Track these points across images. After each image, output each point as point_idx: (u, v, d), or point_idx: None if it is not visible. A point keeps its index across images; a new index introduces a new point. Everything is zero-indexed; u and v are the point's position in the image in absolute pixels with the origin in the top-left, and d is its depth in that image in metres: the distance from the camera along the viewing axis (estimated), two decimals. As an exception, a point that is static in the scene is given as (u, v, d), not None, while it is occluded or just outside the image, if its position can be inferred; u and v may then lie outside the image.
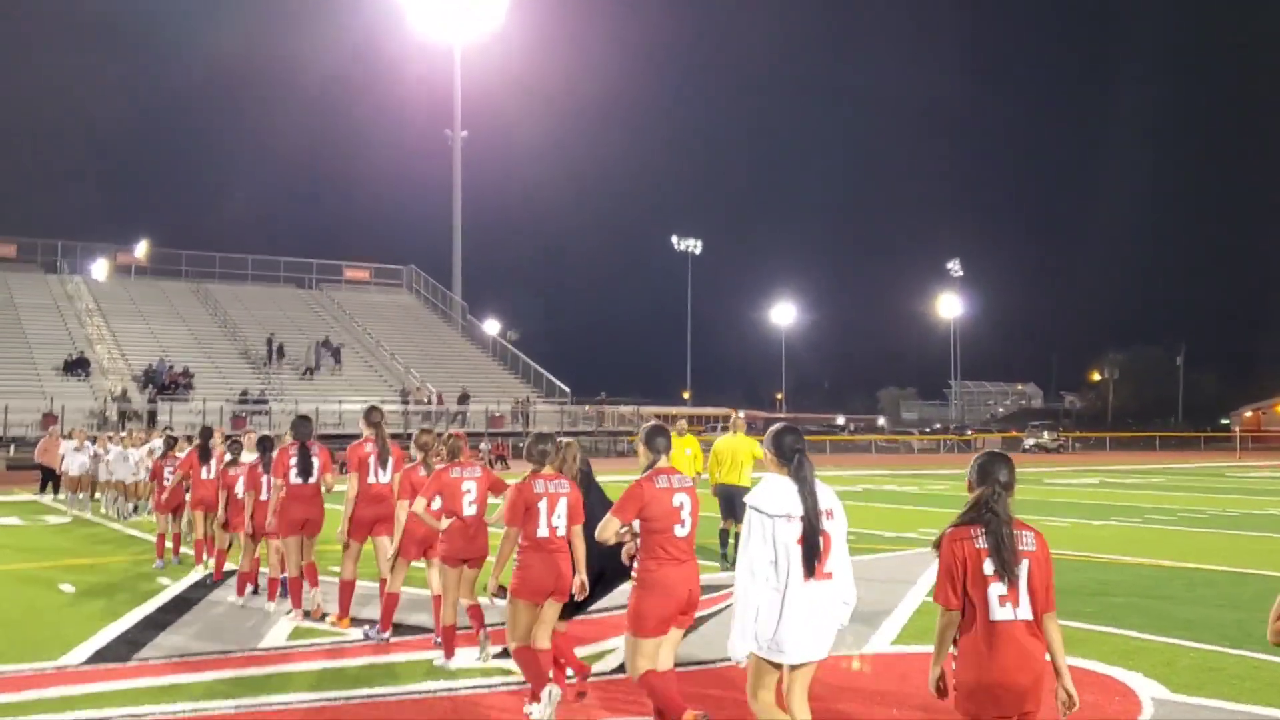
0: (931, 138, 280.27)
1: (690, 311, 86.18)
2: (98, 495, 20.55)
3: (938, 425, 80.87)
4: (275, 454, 9.83)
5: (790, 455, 4.91)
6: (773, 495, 4.84)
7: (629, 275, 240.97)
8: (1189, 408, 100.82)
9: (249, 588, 10.54)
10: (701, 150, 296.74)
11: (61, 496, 22.44)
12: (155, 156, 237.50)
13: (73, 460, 20.61)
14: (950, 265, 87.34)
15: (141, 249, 57.65)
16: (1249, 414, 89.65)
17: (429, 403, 46.85)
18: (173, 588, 11.29)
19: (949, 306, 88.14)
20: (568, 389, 53.63)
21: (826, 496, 4.89)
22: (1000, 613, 4.05)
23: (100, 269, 55.36)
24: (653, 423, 6.12)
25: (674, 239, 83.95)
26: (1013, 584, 4.08)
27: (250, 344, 49.69)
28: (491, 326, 62.83)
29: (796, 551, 4.74)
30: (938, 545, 4.23)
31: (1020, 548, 4.14)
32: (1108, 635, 8.67)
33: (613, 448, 49.72)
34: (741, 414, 14.27)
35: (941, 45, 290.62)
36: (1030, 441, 62.18)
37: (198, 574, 12.05)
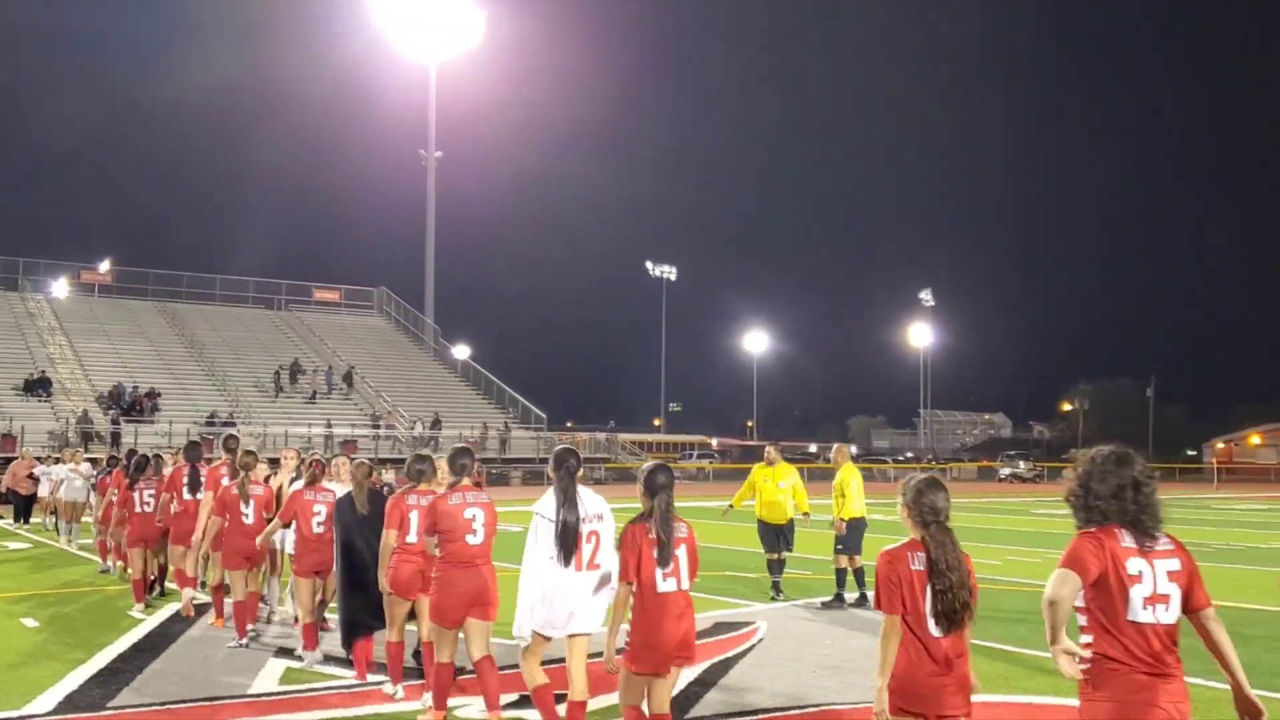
0: (906, 169, 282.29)
1: (665, 338, 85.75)
2: (58, 520, 19.54)
3: (909, 454, 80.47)
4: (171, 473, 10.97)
5: (561, 469, 5.99)
6: (549, 503, 5.99)
7: (604, 300, 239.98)
8: (1158, 439, 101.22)
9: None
10: (678, 176, 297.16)
11: (39, 521, 21.39)
12: (123, 174, 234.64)
13: (65, 485, 18.97)
14: (922, 295, 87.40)
15: (106, 267, 56.37)
16: (1221, 445, 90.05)
17: (402, 427, 45.92)
18: (148, 621, 10.47)
19: (920, 336, 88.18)
20: (544, 415, 52.87)
21: (595, 504, 6.04)
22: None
23: (63, 287, 54.00)
24: (458, 445, 7.00)
25: (649, 265, 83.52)
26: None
27: (218, 365, 48.57)
28: (463, 351, 61.83)
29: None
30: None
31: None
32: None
33: (589, 475, 48.89)
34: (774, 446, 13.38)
35: (918, 77, 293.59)
36: (1006, 471, 61.95)
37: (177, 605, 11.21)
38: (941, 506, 4.43)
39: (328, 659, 8.53)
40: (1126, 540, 3.78)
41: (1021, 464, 63.92)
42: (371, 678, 7.83)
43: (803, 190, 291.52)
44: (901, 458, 75.55)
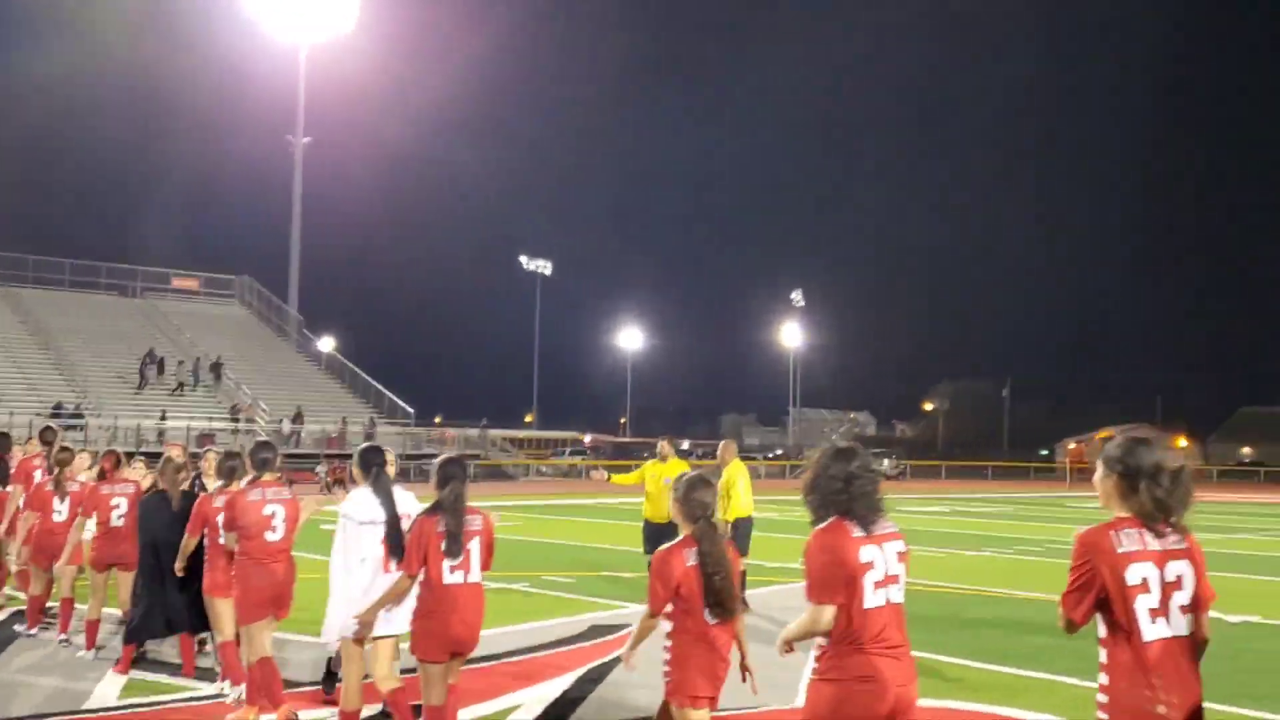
0: (780, 168, 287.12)
1: (538, 333, 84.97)
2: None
3: (779, 451, 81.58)
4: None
5: (369, 468, 5.95)
6: (360, 504, 5.91)
7: (476, 293, 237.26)
8: (1013, 438, 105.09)
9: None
10: (555, 170, 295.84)
11: None
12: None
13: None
14: (793, 295, 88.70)
15: (-57, 248, 53.00)
16: (1072, 445, 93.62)
17: (260, 422, 44.32)
18: (-29, 630, 9.57)
19: (790, 335, 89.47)
20: (411, 410, 51.71)
21: (406, 502, 6.00)
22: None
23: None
24: (260, 439, 7.22)
25: (523, 259, 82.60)
26: None
27: (65, 354, 46.09)
28: (328, 343, 60.07)
29: (380, 550, 5.86)
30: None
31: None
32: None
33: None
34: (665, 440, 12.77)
35: (792, 77, 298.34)
36: (872, 469, 63.13)
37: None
38: (709, 502, 4.83)
39: (163, 666, 7.92)
40: (856, 531, 3.95)
41: (886, 461, 65.28)
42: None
43: (680, 189, 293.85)
44: (772, 454, 76.43)
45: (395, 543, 5.70)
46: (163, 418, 41.32)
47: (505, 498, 32.09)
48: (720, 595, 4.60)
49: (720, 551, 4.71)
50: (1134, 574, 3.44)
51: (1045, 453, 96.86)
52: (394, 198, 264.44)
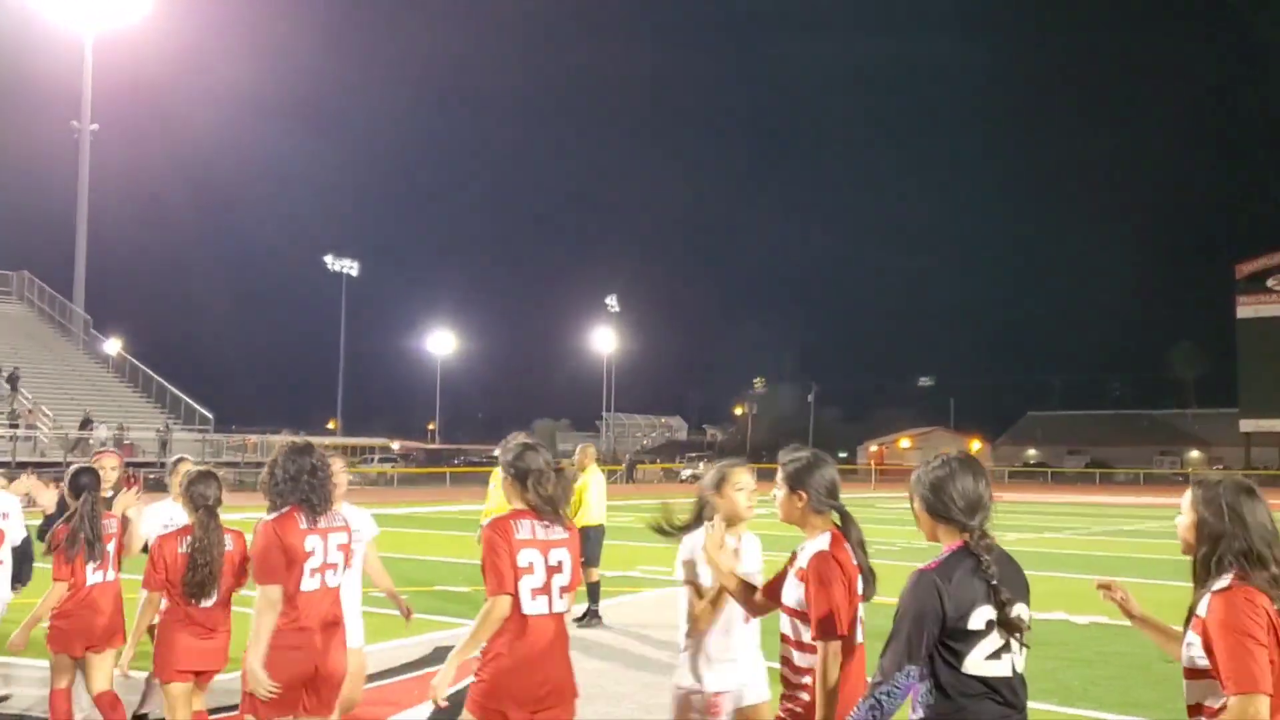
0: (595, 177, 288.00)
1: (344, 336, 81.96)
2: None
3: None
4: None
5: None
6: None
7: (277, 294, 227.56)
8: (817, 441, 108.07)
9: None
10: (366, 170, 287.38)
11: None
12: None
13: None
14: (608, 300, 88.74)
15: None
16: (874, 448, 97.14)
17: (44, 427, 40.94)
18: None
19: (604, 341, 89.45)
20: (210, 415, 48.91)
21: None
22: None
23: None
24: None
25: (329, 259, 79.52)
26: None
27: None
28: (118, 344, 56.20)
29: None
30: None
31: None
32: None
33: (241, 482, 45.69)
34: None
35: (614, 84, 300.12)
36: (688, 472, 63.91)
37: None
38: (212, 495, 5.28)
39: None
40: (303, 522, 4.51)
41: (701, 465, 65.97)
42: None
43: (493, 192, 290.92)
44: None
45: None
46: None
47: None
48: (200, 578, 5.15)
49: (214, 538, 5.22)
50: (524, 558, 3.98)
51: (844, 455, 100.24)
52: (193, 192, 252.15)
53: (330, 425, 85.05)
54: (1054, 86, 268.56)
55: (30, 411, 42.40)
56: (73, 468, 6.06)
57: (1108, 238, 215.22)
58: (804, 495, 3.76)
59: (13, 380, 44.06)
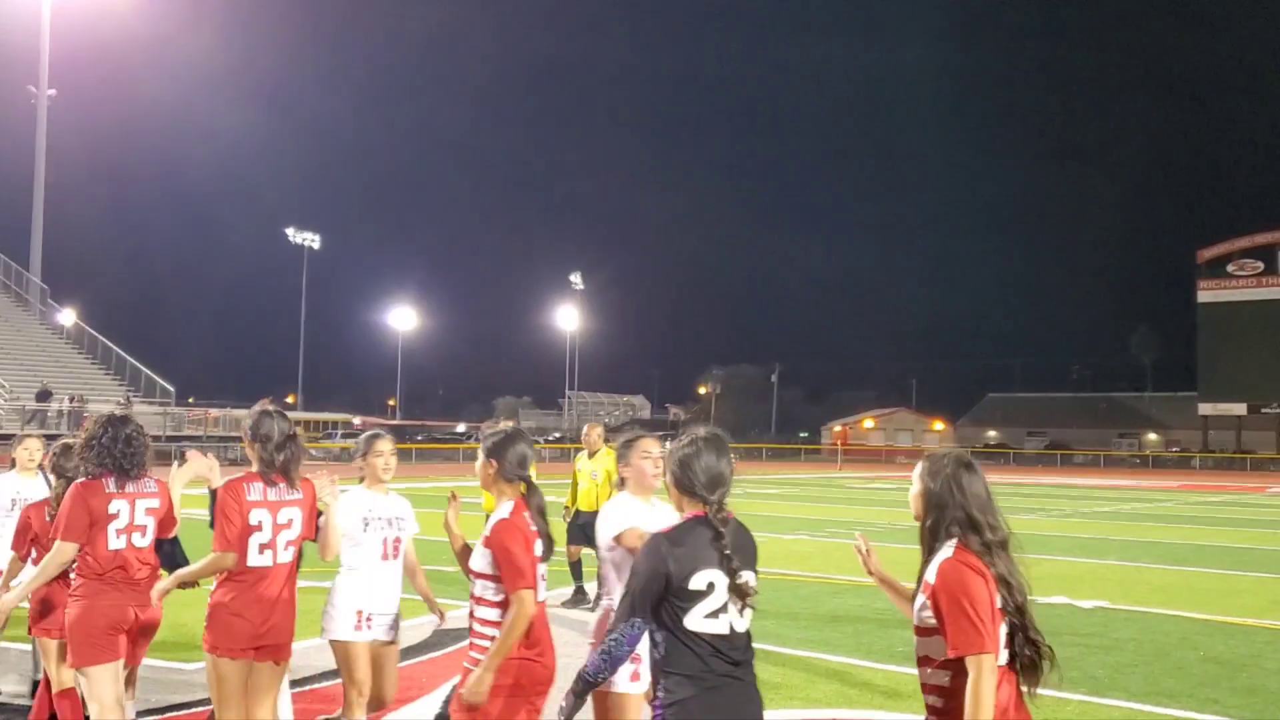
0: (559, 149, 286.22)
1: (304, 310, 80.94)
2: None
3: (557, 434, 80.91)
4: None
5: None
6: None
7: (238, 266, 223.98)
8: (780, 422, 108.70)
9: None
10: (330, 142, 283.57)
11: None
12: None
13: None
14: (572, 278, 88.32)
15: None
16: (838, 428, 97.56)
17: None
18: None
19: (568, 318, 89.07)
20: (172, 388, 48.09)
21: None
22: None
23: None
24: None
25: (290, 231, 78.39)
26: None
27: None
28: (74, 315, 55.12)
29: None
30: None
31: None
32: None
33: (223, 455, 44.98)
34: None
35: (582, 61, 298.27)
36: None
37: None
38: (69, 465, 5.38)
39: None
40: (110, 486, 4.89)
41: (668, 444, 65.82)
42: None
43: (458, 168, 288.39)
44: (551, 438, 75.82)
45: None
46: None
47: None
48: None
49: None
50: (254, 518, 4.55)
51: (805, 435, 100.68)
52: (153, 161, 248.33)
53: (290, 399, 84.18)
54: (1019, 75, 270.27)
55: (-14, 383, 41.50)
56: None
57: (1071, 223, 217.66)
58: (495, 463, 4.12)
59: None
